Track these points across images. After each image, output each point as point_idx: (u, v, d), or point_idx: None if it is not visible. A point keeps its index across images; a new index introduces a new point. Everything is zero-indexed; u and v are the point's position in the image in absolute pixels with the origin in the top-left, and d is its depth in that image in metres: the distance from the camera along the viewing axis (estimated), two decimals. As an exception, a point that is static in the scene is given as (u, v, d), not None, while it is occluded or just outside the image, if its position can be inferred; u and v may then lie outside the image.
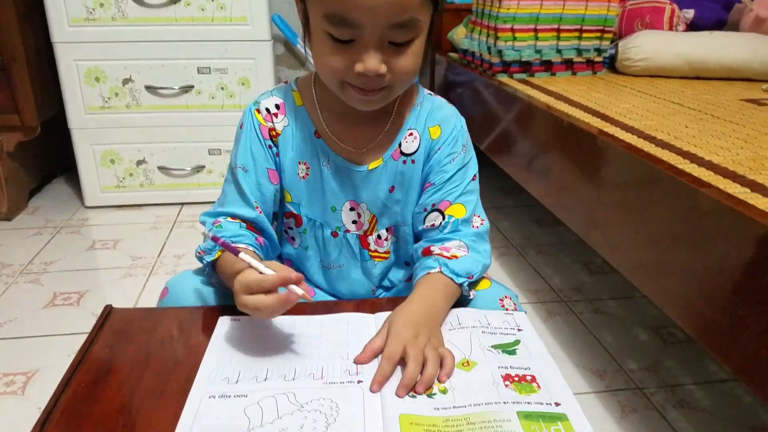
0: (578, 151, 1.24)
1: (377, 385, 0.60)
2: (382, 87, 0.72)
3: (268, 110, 0.83)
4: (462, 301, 0.77)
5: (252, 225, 0.80)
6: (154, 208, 2.14)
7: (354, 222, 0.86)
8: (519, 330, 0.71)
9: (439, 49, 2.31)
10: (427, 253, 0.80)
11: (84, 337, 0.68)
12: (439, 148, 0.82)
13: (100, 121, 2.01)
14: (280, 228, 0.88)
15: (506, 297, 0.80)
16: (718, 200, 0.80)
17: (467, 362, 0.65)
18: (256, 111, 0.83)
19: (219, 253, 0.74)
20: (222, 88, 2.03)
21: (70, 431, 0.54)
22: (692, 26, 2.00)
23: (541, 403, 0.58)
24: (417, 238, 0.86)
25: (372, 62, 0.68)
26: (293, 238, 0.88)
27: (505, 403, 0.58)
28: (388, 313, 0.70)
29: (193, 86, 2.01)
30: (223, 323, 0.71)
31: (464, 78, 1.98)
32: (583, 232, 1.23)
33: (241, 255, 0.67)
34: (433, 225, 0.82)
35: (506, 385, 0.61)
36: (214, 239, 0.72)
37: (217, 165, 2.12)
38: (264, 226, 0.81)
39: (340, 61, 0.70)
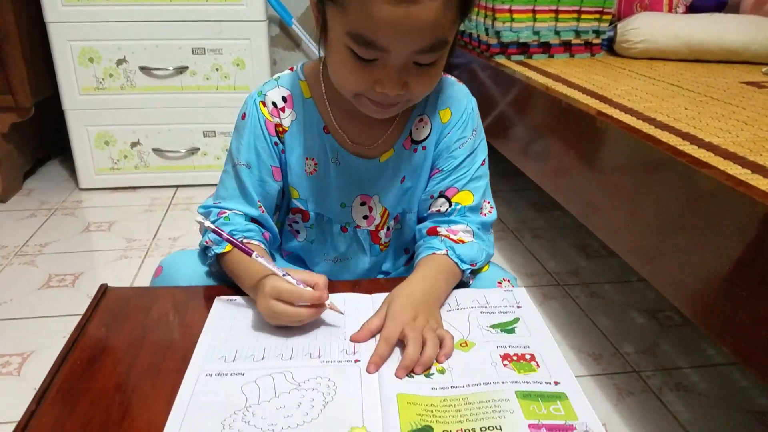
0: (577, 133, 1.23)
1: (374, 366, 0.60)
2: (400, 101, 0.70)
3: (274, 104, 0.78)
4: (460, 285, 0.76)
5: (255, 221, 0.79)
6: (148, 190, 2.13)
7: (365, 217, 0.83)
8: (518, 307, 0.71)
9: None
10: (433, 232, 0.79)
11: (79, 319, 0.68)
12: (449, 133, 0.80)
13: (95, 102, 1.99)
14: (282, 219, 0.86)
15: (505, 279, 0.80)
16: (718, 181, 0.79)
17: (465, 343, 0.65)
18: (261, 104, 0.78)
19: (229, 247, 0.73)
20: (217, 69, 2.01)
21: (66, 409, 0.54)
22: (692, 8, 1.99)
23: (540, 382, 0.58)
24: (420, 219, 0.85)
25: (394, 85, 0.65)
26: (298, 232, 0.86)
27: (503, 382, 0.58)
28: (386, 294, 0.69)
29: (187, 67, 1.99)
30: (220, 303, 0.71)
31: (461, 59, 1.96)
32: (582, 215, 1.23)
33: (269, 266, 0.66)
34: (438, 210, 0.80)
35: (505, 365, 0.61)
36: (230, 241, 0.69)
37: (212, 147, 2.11)
38: (267, 224, 0.79)
39: (359, 78, 0.66)
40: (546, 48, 1.77)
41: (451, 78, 0.83)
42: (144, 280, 1.51)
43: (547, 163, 1.40)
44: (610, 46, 1.87)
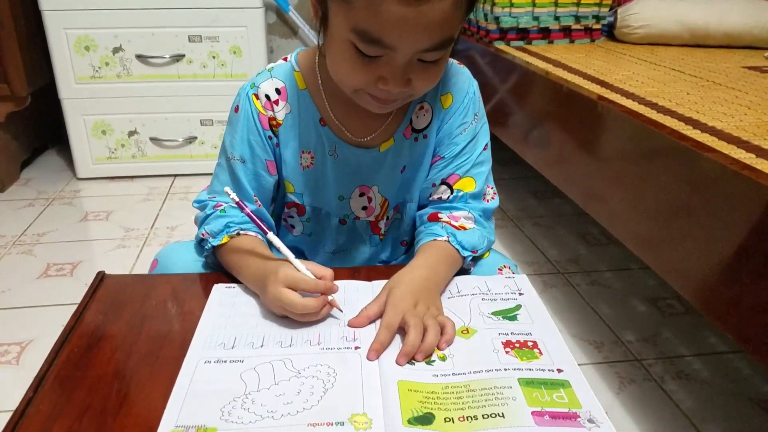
0: (578, 119, 1.22)
1: (375, 353, 0.59)
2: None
3: (268, 97, 0.75)
4: (461, 272, 0.75)
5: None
6: (146, 179, 2.12)
7: (364, 208, 0.82)
8: (520, 294, 0.70)
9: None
10: (434, 218, 0.78)
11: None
12: (450, 119, 0.78)
13: (91, 91, 1.98)
14: (278, 213, 0.85)
15: (505, 266, 0.79)
16: (723, 165, 0.78)
17: (467, 330, 0.64)
18: (254, 96, 0.75)
19: (226, 239, 0.72)
20: (213, 57, 1.99)
21: (63, 395, 0.53)
22: (693, -7, 1.97)
23: (543, 370, 0.58)
24: (421, 207, 0.83)
25: (398, 83, 0.64)
26: (293, 227, 0.85)
27: (506, 369, 0.57)
28: (386, 281, 0.68)
29: (184, 55, 1.97)
30: (218, 290, 0.70)
31: (460, 46, 1.94)
32: (583, 201, 1.22)
33: (284, 250, 0.66)
34: (440, 198, 0.79)
35: (507, 352, 0.60)
36: (250, 216, 0.68)
37: (209, 136, 2.09)
38: (264, 217, 0.77)
39: (361, 75, 0.64)
40: (546, 33, 1.76)
41: (451, 60, 0.80)
42: (142, 269, 1.51)
43: (547, 149, 1.39)
44: (610, 32, 1.86)
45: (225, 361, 0.58)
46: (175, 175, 2.14)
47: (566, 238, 1.75)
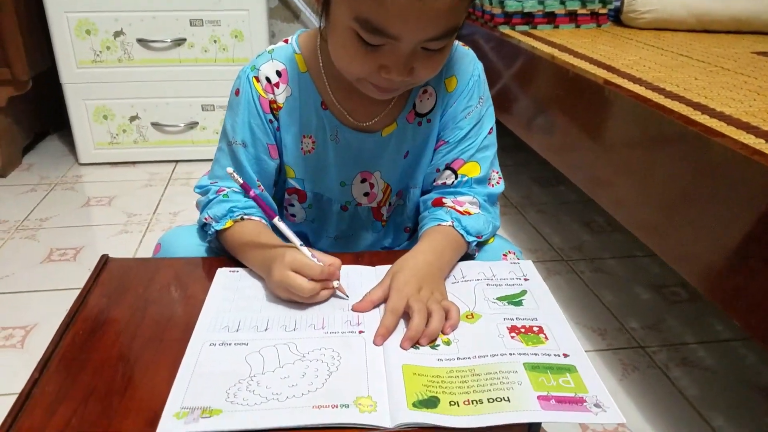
0: (584, 104, 1.21)
1: (381, 338, 0.59)
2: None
3: (268, 79, 0.74)
4: (465, 258, 0.75)
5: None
6: (148, 165, 2.11)
7: (366, 194, 0.81)
8: (526, 279, 0.70)
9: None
10: (439, 203, 0.77)
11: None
12: (455, 102, 0.77)
13: (92, 75, 1.97)
14: (280, 197, 0.84)
15: (510, 252, 0.78)
16: (733, 150, 0.77)
17: (471, 315, 0.64)
18: (254, 79, 0.74)
19: (230, 223, 0.71)
20: (215, 41, 1.98)
21: (68, 378, 0.53)
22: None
23: (549, 354, 0.57)
24: (425, 192, 0.82)
25: (401, 71, 0.63)
26: (294, 215, 0.84)
27: (511, 354, 0.57)
28: (389, 266, 0.68)
29: (185, 39, 1.96)
30: (222, 274, 0.70)
31: (464, 30, 1.92)
32: (588, 188, 1.21)
33: (290, 235, 0.66)
34: (444, 183, 0.78)
35: (512, 337, 0.60)
36: (255, 199, 0.68)
37: (211, 121, 2.08)
38: (268, 201, 0.76)
39: (363, 63, 0.63)
40: (551, 18, 1.74)
41: (456, 42, 0.78)
42: (145, 255, 1.50)
43: (552, 135, 1.38)
44: (616, 17, 1.84)
45: (230, 344, 0.57)
46: (177, 161, 2.13)
47: (570, 225, 1.74)
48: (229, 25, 1.97)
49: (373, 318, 0.62)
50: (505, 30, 1.71)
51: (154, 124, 2.06)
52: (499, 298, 0.66)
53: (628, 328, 1.28)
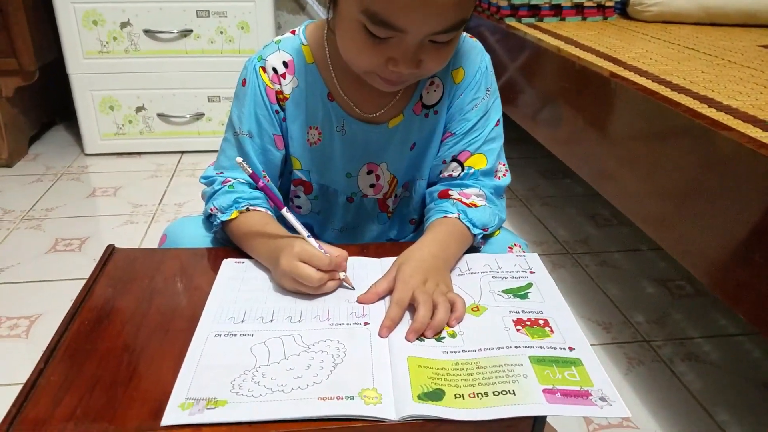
0: (590, 96, 1.20)
1: (386, 330, 0.59)
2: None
3: (275, 70, 0.74)
4: (471, 250, 0.75)
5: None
6: (153, 156, 2.11)
7: (372, 186, 0.81)
8: (531, 272, 0.70)
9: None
10: (445, 195, 0.77)
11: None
12: (462, 94, 0.76)
13: (99, 66, 1.96)
14: (286, 188, 0.84)
15: (516, 245, 0.78)
16: (740, 143, 0.77)
17: (477, 307, 0.63)
18: (261, 69, 0.74)
19: (236, 214, 0.71)
20: (221, 32, 1.97)
21: (74, 368, 0.53)
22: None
23: (554, 348, 0.57)
24: (431, 184, 0.82)
25: (408, 64, 0.63)
26: (299, 207, 0.84)
27: (516, 347, 0.57)
28: (394, 258, 0.68)
29: (191, 30, 1.95)
30: (228, 265, 0.70)
31: (471, 22, 1.91)
32: (594, 180, 1.20)
33: (298, 226, 0.66)
34: (451, 175, 0.78)
35: (518, 330, 0.60)
36: (264, 189, 0.68)
37: (217, 112, 2.08)
38: (273, 192, 0.76)
39: (371, 56, 0.63)
40: (557, 10, 1.73)
41: (463, 34, 0.78)
42: (150, 246, 1.51)
43: (558, 128, 1.37)
44: (623, 9, 1.83)
45: (235, 335, 0.57)
46: (183, 152, 2.14)
47: (575, 218, 1.74)
48: (235, 17, 1.96)
49: (379, 310, 0.62)
50: (511, 22, 1.70)
51: (160, 115, 2.06)
52: (505, 291, 0.66)
53: (633, 322, 1.27)
